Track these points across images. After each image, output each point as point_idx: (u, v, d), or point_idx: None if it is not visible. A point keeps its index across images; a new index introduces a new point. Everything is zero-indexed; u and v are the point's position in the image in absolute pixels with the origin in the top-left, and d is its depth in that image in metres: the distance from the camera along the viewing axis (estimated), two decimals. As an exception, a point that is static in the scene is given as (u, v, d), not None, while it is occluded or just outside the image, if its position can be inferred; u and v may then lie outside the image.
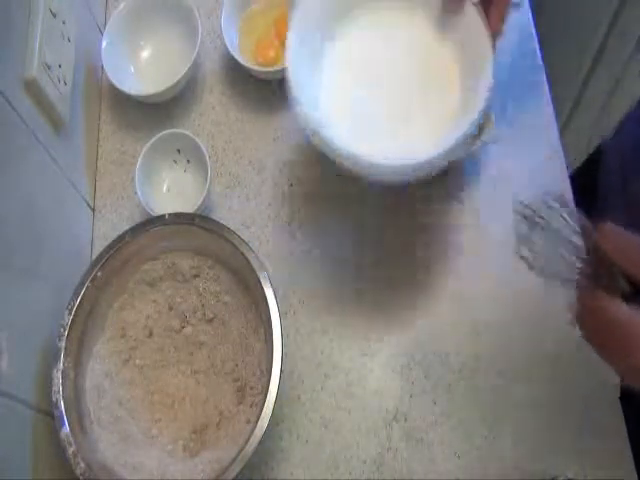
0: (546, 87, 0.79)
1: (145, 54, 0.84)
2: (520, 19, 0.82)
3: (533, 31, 0.82)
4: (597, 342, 0.45)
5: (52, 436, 0.61)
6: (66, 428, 0.60)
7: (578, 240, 0.44)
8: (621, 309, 0.42)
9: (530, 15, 0.83)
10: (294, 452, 0.69)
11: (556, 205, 0.44)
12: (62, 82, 0.70)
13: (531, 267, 0.45)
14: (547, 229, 0.44)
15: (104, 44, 0.79)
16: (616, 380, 0.67)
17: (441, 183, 0.76)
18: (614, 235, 0.43)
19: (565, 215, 0.44)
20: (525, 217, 0.45)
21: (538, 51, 0.81)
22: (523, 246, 0.45)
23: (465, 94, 0.62)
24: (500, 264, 0.72)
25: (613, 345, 0.43)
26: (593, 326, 0.44)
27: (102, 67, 0.81)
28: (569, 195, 0.75)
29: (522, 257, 0.45)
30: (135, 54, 0.83)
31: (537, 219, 0.44)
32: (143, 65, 0.83)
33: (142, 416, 0.66)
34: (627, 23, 1.07)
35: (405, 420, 0.69)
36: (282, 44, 0.73)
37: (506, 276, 0.72)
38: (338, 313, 0.73)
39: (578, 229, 0.44)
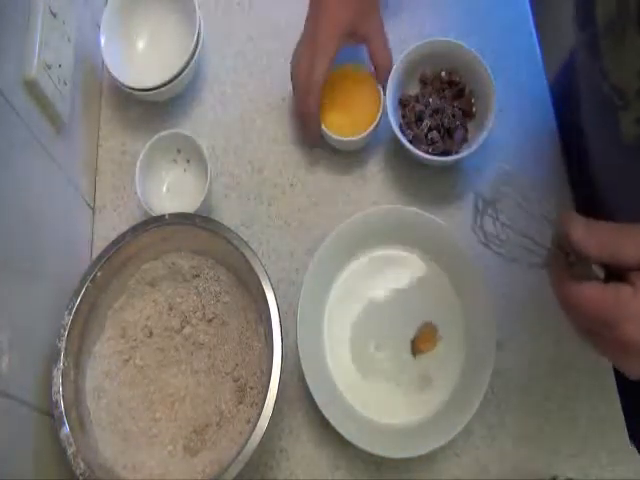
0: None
1: (142, 48, 0.83)
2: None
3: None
4: (580, 328, 0.45)
5: (52, 436, 0.61)
6: (66, 428, 0.60)
7: (538, 226, 0.44)
8: (591, 289, 0.42)
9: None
10: (294, 452, 0.69)
11: (511, 192, 0.44)
12: (62, 82, 0.70)
13: (495, 252, 0.45)
14: (500, 217, 0.44)
15: (103, 40, 0.78)
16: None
17: (443, 181, 0.77)
18: (577, 223, 0.43)
19: (522, 202, 0.44)
20: (477, 208, 0.45)
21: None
22: (480, 233, 0.45)
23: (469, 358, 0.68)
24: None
25: (595, 326, 0.43)
26: (567, 312, 0.44)
27: (102, 65, 0.80)
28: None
29: (482, 243, 0.45)
30: (134, 48, 0.82)
31: (486, 208, 0.45)
32: (142, 60, 0.82)
33: (142, 416, 0.66)
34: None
35: (405, 420, 0.69)
36: None
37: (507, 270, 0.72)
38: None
39: (538, 214, 0.44)
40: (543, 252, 0.45)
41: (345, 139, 0.74)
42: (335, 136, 0.74)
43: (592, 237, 0.42)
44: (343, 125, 0.75)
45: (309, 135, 0.77)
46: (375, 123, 0.73)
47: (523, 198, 0.44)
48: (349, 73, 0.76)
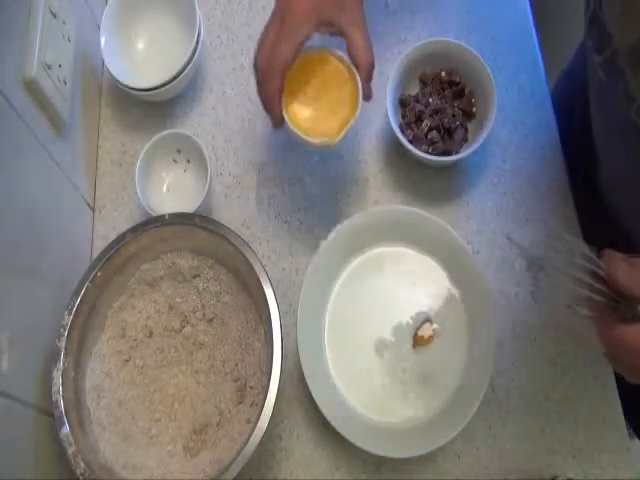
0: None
1: (142, 48, 0.83)
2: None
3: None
4: (626, 370, 0.44)
5: (52, 436, 0.61)
6: (66, 428, 0.60)
7: (584, 274, 0.43)
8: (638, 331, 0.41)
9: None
10: (294, 452, 0.69)
11: (556, 244, 0.44)
12: (62, 82, 0.70)
13: (536, 301, 0.46)
14: (547, 269, 0.44)
15: (103, 40, 0.78)
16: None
17: (443, 181, 0.77)
18: (620, 262, 0.42)
19: (566, 252, 0.44)
20: (525, 259, 0.45)
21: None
22: (529, 283, 0.45)
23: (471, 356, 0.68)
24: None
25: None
26: (617, 356, 0.44)
27: (102, 65, 0.80)
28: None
29: (531, 292, 0.46)
30: (134, 48, 0.82)
31: (536, 260, 0.45)
32: (142, 60, 0.82)
33: (142, 416, 0.66)
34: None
35: (405, 420, 0.69)
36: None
37: (504, 279, 0.72)
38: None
39: (583, 263, 0.44)
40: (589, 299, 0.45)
41: (309, 140, 0.64)
42: (300, 134, 0.64)
43: (636, 274, 0.41)
44: (310, 124, 0.65)
45: (271, 118, 0.65)
46: (345, 130, 0.63)
47: (569, 252, 0.44)
48: (326, 62, 0.65)
